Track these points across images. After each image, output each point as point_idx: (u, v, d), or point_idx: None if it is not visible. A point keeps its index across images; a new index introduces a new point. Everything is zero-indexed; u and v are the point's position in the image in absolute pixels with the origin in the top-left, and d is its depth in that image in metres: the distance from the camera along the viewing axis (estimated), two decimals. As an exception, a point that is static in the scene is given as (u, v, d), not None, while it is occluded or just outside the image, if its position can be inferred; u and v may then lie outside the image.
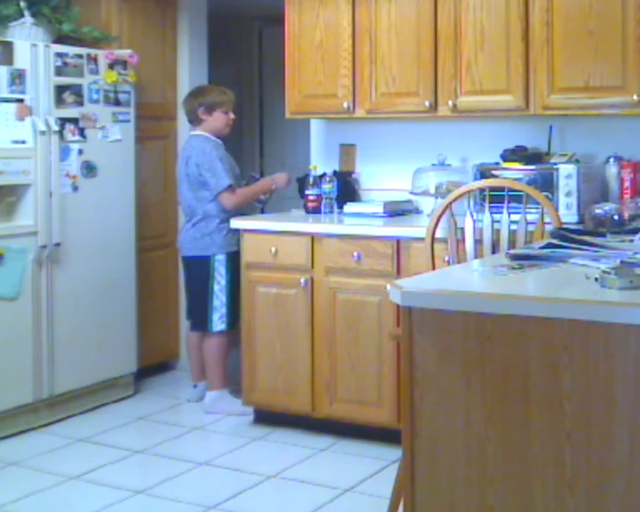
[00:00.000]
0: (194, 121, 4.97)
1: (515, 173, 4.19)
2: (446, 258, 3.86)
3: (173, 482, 3.93)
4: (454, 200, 3.79)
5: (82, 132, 4.79)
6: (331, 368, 4.36)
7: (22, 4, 4.70)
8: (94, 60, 4.85)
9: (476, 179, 4.22)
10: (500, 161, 4.37)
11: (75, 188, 4.77)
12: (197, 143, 4.87)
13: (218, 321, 4.83)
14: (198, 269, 4.86)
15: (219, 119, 4.90)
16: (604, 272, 2.30)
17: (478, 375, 2.26)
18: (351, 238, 4.30)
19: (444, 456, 2.32)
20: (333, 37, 4.65)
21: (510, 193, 3.74)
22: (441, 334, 2.31)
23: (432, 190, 4.50)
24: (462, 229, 3.80)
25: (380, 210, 4.57)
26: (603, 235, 3.21)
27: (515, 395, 2.22)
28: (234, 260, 4.79)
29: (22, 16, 4.69)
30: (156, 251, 5.50)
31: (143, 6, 5.42)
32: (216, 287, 4.81)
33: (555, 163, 4.20)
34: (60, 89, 4.67)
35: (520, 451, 2.22)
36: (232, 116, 4.96)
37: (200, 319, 4.88)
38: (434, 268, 3.71)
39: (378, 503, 3.58)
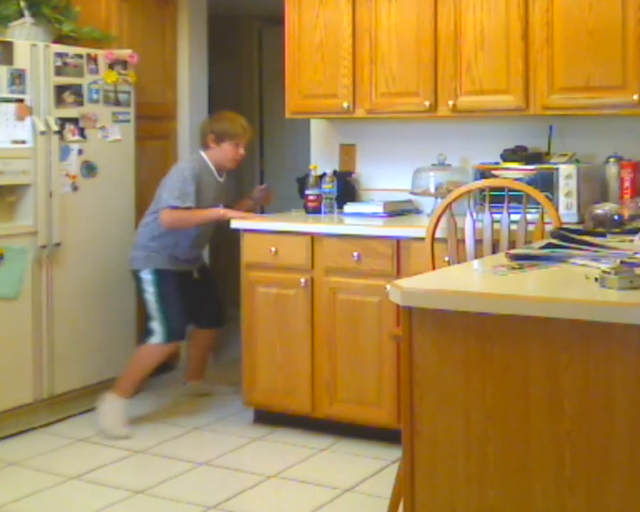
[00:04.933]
0: (203, 144, 4.72)
1: (515, 173, 4.18)
2: (446, 258, 3.86)
3: (173, 482, 3.92)
4: (454, 200, 3.80)
5: (82, 132, 4.79)
6: (331, 368, 4.36)
7: (22, 4, 4.70)
8: (94, 60, 4.85)
9: (476, 179, 4.22)
10: (500, 161, 4.37)
11: (75, 188, 4.77)
12: (185, 161, 4.82)
13: (154, 332, 4.59)
14: (134, 280, 4.77)
15: (226, 151, 4.64)
16: (604, 271, 2.29)
17: (478, 375, 2.26)
18: (351, 238, 4.30)
19: (444, 456, 2.32)
20: (333, 37, 4.65)
21: (510, 193, 3.74)
22: (441, 334, 2.31)
23: (432, 190, 4.50)
24: (462, 229, 3.80)
25: (380, 210, 4.57)
26: (603, 235, 3.21)
27: (515, 395, 2.22)
28: (166, 277, 4.61)
29: (22, 16, 4.69)
30: (156, 251, 5.49)
31: (143, 6, 5.42)
32: (148, 297, 4.63)
33: (555, 163, 4.21)
34: (60, 89, 4.67)
35: (520, 451, 2.22)
36: (242, 151, 4.66)
37: (146, 328, 4.67)
38: (434, 268, 3.72)
39: (378, 503, 3.58)
